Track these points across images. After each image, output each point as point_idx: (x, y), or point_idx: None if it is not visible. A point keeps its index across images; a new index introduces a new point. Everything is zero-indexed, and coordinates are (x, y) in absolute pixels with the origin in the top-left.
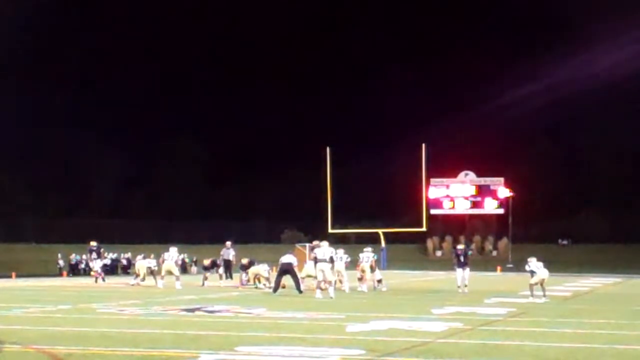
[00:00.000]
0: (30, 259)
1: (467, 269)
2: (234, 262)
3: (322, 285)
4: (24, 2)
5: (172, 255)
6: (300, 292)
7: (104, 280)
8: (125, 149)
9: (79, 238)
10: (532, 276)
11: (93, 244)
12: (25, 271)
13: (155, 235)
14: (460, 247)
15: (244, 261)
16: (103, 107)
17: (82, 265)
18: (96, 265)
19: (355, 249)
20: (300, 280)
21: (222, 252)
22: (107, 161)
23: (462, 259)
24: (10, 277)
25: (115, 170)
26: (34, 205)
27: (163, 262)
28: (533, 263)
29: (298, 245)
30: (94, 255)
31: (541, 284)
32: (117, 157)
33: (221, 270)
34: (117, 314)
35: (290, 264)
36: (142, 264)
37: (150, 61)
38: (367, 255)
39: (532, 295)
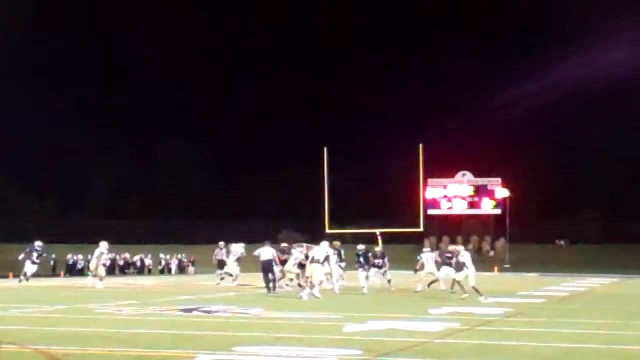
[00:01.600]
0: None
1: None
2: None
3: (303, 283)
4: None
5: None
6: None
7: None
8: (123, 149)
9: (75, 238)
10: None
11: (38, 244)
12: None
13: (153, 235)
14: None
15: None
16: (105, 107)
17: (79, 266)
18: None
19: (352, 249)
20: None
21: (215, 253)
22: (105, 161)
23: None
24: (7, 277)
25: (113, 171)
26: (32, 206)
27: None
28: (466, 256)
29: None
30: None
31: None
32: (114, 158)
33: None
34: (114, 314)
35: (270, 261)
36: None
37: (149, 60)
38: (429, 256)
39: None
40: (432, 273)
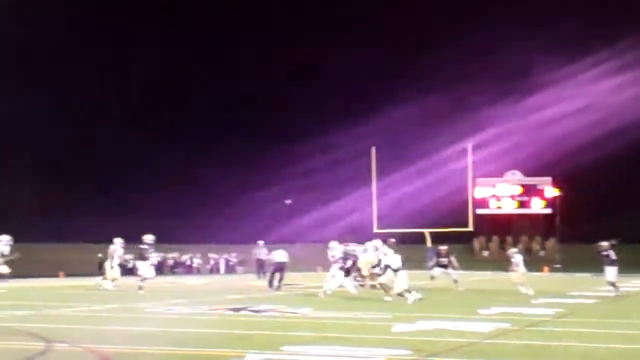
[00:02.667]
0: (78, 258)
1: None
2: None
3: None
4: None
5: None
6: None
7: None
8: (170, 146)
9: (126, 238)
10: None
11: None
12: (73, 270)
13: (199, 236)
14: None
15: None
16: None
17: (130, 265)
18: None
19: (400, 250)
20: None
21: (254, 252)
22: (155, 160)
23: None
24: (57, 276)
25: (162, 169)
26: (82, 205)
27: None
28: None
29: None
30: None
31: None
32: (163, 155)
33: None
34: (165, 314)
35: (285, 263)
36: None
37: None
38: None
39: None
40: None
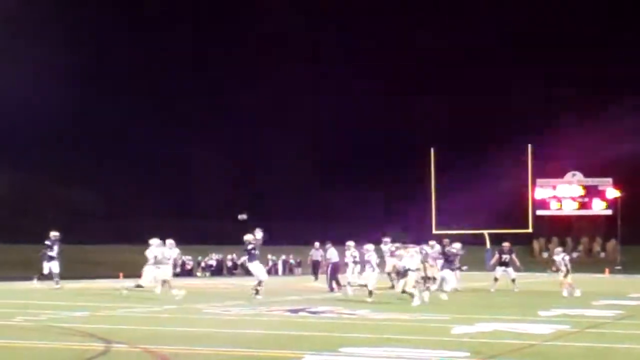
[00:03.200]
0: (136, 259)
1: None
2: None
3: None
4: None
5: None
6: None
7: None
8: (225, 148)
9: (183, 239)
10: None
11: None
12: (132, 271)
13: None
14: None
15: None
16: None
17: (188, 267)
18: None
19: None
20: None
21: (310, 253)
22: (211, 161)
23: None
24: (117, 277)
25: (219, 170)
26: (140, 206)
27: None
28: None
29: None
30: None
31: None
32: (217, 156)
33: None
34: (222, 315)
35: (336, 262)
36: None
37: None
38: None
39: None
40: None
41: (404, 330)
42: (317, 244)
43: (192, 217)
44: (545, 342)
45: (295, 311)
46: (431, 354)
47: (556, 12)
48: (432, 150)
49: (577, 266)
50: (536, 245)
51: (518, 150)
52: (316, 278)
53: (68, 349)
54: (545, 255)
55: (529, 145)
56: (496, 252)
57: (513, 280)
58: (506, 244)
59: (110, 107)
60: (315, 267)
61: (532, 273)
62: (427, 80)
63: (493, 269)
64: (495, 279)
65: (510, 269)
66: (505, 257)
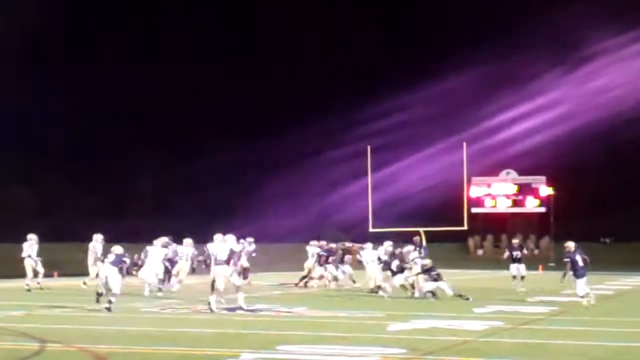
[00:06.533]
0: (72, 258)
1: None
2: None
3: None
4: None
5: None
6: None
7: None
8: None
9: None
10: None
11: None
12: (68, 270)
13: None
14: (515, 241)
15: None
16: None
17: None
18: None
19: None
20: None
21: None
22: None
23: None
24: (52, 276)
25: (157, 168)
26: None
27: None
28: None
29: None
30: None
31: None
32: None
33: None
34: (159, 313)
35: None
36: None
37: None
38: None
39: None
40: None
41: (341, 327)
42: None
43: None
44: (480, 339)
45: (233, 309)
46: (368, 351)
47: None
48: (368, 147)
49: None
50: (471, 242)
51: (453, 148)
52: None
53: (1, 348)
54: (480, 252)
55: (464, 143)
56: (506, 250)
57: (522, 278)
58: (516, 241)
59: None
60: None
61: (467, 270)
62: (363, 78)
63: (507, 266)
64: (514, 277)
65: (522, 266)
66: (516, 253)
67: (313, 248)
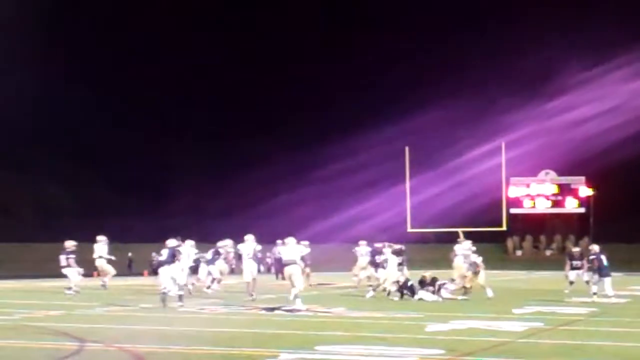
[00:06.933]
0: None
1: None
2: None
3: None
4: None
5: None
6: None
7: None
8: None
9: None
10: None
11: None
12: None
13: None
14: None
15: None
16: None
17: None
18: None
19: (434, 249)
20: None
21: (274, 250)
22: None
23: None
24: (92, 276)
25: (192, 170)
26: (113, 205)
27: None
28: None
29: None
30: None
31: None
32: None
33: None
34: (198, 313)
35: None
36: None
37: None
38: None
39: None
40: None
41: (379, 328)
42: (279, 242)
43: (159, 216)
44: (518, 340)
45: (271, 309)
46: (406, 352)
47: None
48: (406, 149)
49: (551, 263)
50: (510, 243)
51: (493, 149)
52: (278, 277)
53: (42, 347)
54: (519, 253)
55: (502, 144)
56: (567, 259)
57: (587, 283)
58: (576, 249)
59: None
60: (279, 265)
61: (506, 271)
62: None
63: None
64: (571, 282)
65: (583, 272)
66: (577, 263)
67: (363, 248)
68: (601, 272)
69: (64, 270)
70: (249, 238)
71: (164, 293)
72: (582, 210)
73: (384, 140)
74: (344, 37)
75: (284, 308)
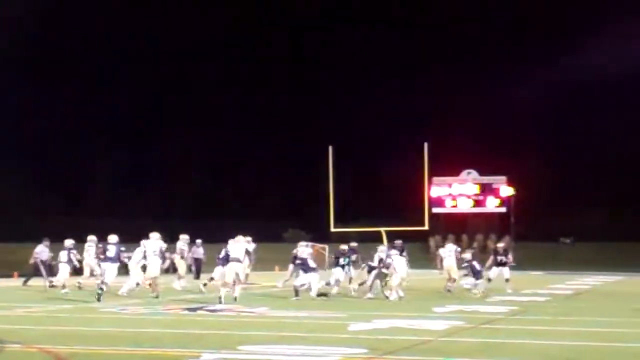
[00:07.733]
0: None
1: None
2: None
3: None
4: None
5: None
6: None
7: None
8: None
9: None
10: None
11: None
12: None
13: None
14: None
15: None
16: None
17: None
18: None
19: (360, 248)
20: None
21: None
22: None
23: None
24: (11, 276)
25: (112, 170)
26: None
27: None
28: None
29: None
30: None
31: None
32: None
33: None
34: (119, 314)
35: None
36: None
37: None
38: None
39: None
40: None
41: (302, 327)
42: (198, 241)
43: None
44: (440, 338)
45: (194, 309)
46: (329, 351)
47: None
48: (330, 148)
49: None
50: (432, 242)
51: (414, 149)
52: (197, 277)
53: None
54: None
55: (425, 144)
56: (491, 254)
57: (507, 280)
58: (500, 245)
59: None
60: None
61: (428, 270)
62: (323, 78)
63: (489, 269)
64: (489, 280)
65: (506, 269)
66: (501, 258)
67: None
68: (476, 275)
69: (60, 265)
70: (154, 236)
71: (101, 289)
72: (504, 209)
73: (305, 139)
74: None
75: (206, 308)
